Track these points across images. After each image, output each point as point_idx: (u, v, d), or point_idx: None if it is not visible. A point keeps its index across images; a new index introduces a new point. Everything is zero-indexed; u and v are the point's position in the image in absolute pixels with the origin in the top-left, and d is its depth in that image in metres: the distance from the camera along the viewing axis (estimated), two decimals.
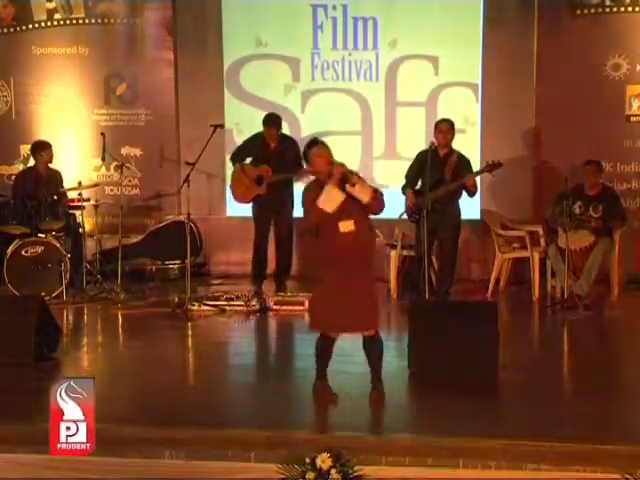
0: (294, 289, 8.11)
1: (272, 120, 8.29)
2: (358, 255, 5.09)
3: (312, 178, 5.19)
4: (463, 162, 7.92)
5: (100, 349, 6.79)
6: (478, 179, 8.00)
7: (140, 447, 4.48)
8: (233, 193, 8.45)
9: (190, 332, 7.15)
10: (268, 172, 8.15)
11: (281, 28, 9.45)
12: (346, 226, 5.04)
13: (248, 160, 8.37)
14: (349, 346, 6.64)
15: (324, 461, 4.12)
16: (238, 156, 8.41)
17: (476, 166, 8.24)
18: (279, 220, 8.41)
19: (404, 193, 7.99)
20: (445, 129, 7.89)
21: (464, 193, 7.90)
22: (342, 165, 5.06)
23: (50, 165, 8.77)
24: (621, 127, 8.94)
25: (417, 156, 7.96)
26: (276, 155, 8.22)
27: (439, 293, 7.83)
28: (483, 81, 9.15)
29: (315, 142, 5.16)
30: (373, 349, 5.30)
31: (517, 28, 9.00)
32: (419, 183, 7.91)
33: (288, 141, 8.39)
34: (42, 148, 8.69)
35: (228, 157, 8.78)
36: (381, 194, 5.10)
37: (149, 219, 9.76)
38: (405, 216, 7.99)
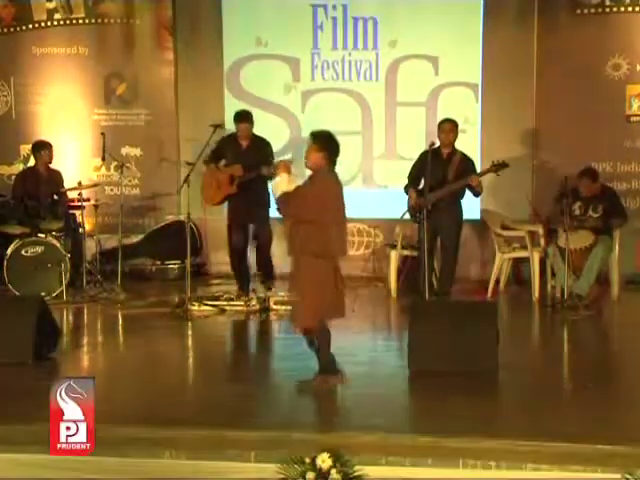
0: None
1: (244, 116, 8.06)
2: (291, 249, 5.37)
3: (282, 175, 5.40)
4: (467, 162, 7.92)
5: (100, 349, 6.79)
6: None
7: (140, 447, 4.47)
8: (204, 196, 8.12)
9: (190, 332, 7.15)
10: (239, 171, 7.90)
11: (281, 28, 9.45)
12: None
13: (222, 163, 8.12)
14: (349, 346, 6.66)
15: (324, 461, 4.12)
16: (212, 158, 8.11)
17: (478, 166, 8.23)
18: (257, 230, 8.15)
19: (407, 193, 7.98)
20: (447, 129, 7.88)
21: (467, 193, 7.90)
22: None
23: (50, 165, 8.78)
24: (621, 127, 8.96)
25: (420, 156, 7.95)
26: (247, 155, 7.99)
27: (440, 293, 7.83)
28: (483, 81, 9.16)
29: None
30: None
31: (517, 28, 9.01)
32: (422, 183, 7.90)
33: (260, 141, 8.14)
34: (42, 147, 8.70)
35: None
36: (288, 203, 5.27)
37: (149, 219, 9.76)
38: (407, 216, 7.98)
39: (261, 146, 8.09)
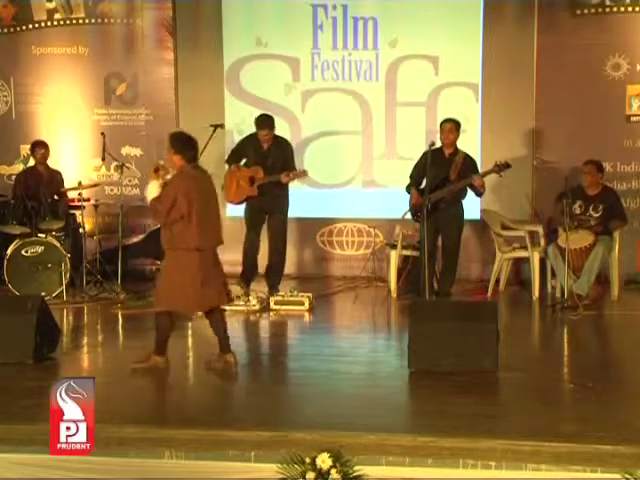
0: (294, 289, 8.11)
1: (265, 122, 8.12)
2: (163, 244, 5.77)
3: (152, 183, 5.76)
4: (469, 163, 7.92)
5: (100, 349, 6.79)
6: None
7: (140, 447, 4.48)
8: (226, 194, 8.21)
9: (190, 332, 7.15)
10: (259, 173, 8.02)
11: (281, 28, 9.45)
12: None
13: (243, 162, 8.26)
14: (349, 346, 6.67)
15: (324, 461, 4.13)
16: (233, 158, 8.28)
17: (479, 167, 8.21)
18: (272, 222, 8.25)
19: (408, 192, 7.98)
20: (447, 129, 7.89)
21: (468, 194, 7.90)
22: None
23: (50, 165, 8.78)
24: (621, 127, 8.95)
25: (423, 155, 7.96)
26: (269, 156, 8.09)
27: (441, 293, 7.82)
28: (483, 81, 9.15)
29: None
30: (218, 323, 6.05)
31: (517, 28, 9.00)
32: (424, 182, 7.91)
33: (282, 142, 8.25)
34: (36, 147, 8.80)
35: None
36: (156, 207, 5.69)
37: (149, 219, 9.75)
38: (409, 215, 7.99)
39: (282, 147, 8.21)
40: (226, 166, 8.35)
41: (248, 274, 8.32)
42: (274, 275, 8.36)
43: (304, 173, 8.16)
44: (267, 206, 8.20)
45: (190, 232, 5.64)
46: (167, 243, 5.75)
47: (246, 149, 8.25)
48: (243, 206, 8.32)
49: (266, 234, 8.36)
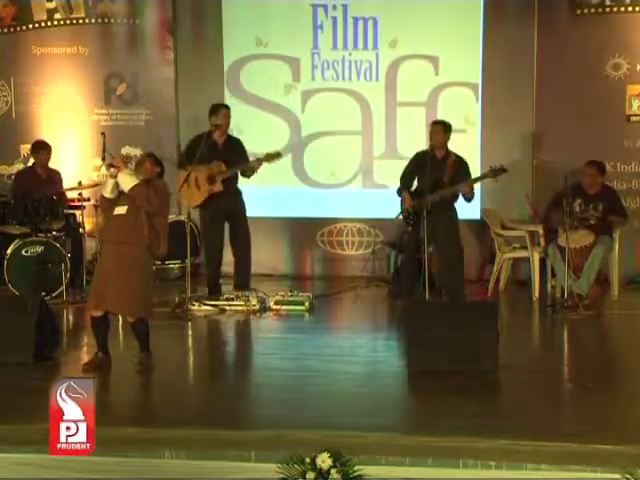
0: (294, 289, 8.10)
1: (222, 104, 8.18)
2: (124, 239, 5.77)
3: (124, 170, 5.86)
4: (461, 164, 7.88)
5: None
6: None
7: (140, 447, 4.48)
8: (183, 197, 8.02)
9: (190, 332, 7.15)
10: (221, 167, 7.85)
11: (281, 28, 9.44)
12: (119, 210, 5.85)
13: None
14: (349, 346, 6.67)
15: (324, 461, 4.13)
16: (186, 159, 7.97)
17: (475, 168, 8.19)
18: (237, 222, 8.10)
19: (400, 195, 7.93)
20: (434, 131, 7.83)
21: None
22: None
23: (50, 165, 8.78)
24: (621, 127, 8.95)
25: (414, 157, 7.93)
26: (224, 152, 7.97)
27: (454, 294, 7.74)
28: (483, 81, 9.15)
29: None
30: (135, 332, 5.93)
31: (517, 28, 9.00)
32: (414, 185, 7.88)
33: (235, 139, 8.17)
34: (40, 149, 8.73)
35: None
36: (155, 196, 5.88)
37: None
38: (401, 217, 7.95)
39: (236, 144, 8.13)
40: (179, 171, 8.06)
41: (215, 282, 8.21)
42: (244, 283, 8.16)
43: (279, 155, 7.95)
44: (229, 205, 8.00)
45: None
46: (136, 235, 5.95)
47: (198, 149, 7.83)
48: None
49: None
